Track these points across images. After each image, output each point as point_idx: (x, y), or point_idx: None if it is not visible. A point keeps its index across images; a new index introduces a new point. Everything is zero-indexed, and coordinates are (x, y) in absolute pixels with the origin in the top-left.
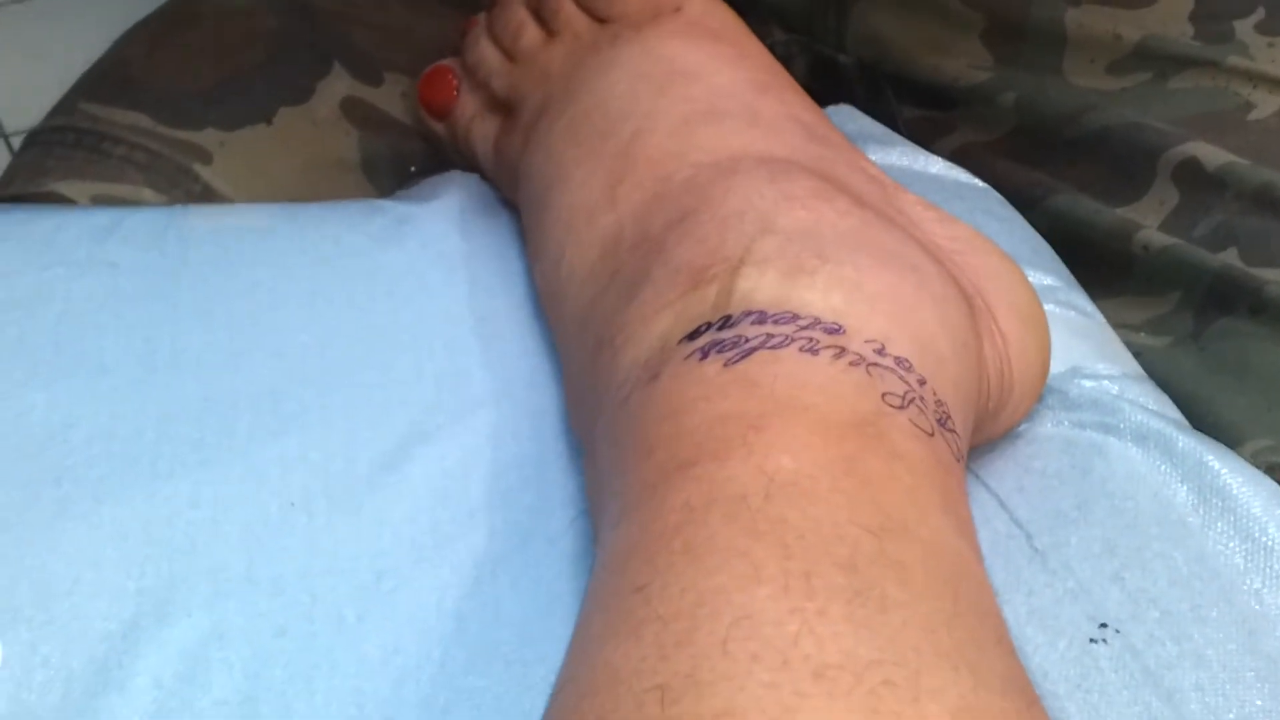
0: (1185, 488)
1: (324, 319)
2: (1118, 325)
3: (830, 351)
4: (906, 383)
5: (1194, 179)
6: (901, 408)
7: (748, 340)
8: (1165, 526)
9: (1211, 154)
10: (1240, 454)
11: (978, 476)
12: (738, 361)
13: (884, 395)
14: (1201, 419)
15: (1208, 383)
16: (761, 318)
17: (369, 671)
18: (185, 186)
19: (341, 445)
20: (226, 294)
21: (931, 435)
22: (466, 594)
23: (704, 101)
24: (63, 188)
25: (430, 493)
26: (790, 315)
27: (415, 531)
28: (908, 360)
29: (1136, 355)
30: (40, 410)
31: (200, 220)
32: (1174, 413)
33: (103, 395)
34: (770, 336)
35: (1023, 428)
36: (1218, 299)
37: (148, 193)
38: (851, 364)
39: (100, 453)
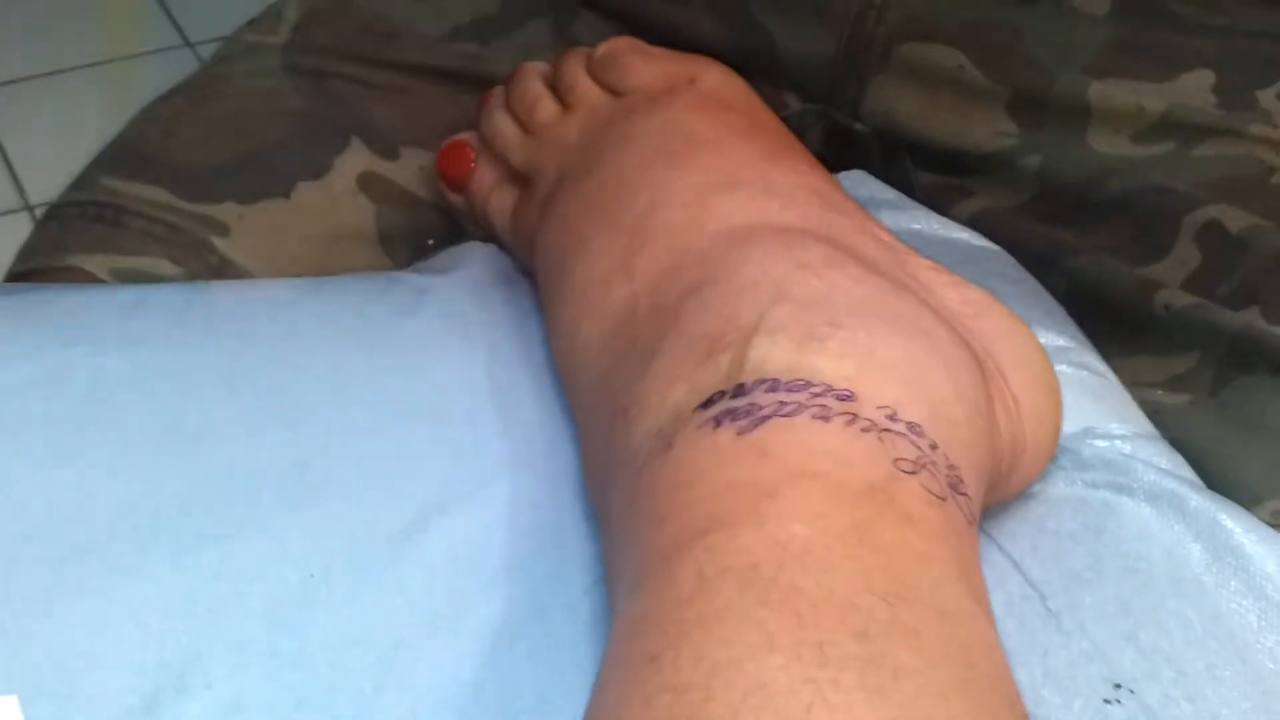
0: (1199, 546)
1: (345, 390)
2: (1136, 384)
3: (842, 418)
4: (918, 448)
5: (1217, 241)
6: (913, 473)
7: (760, 409)
8: (1179, 586)
9: (1235, 217)
10: (1258, 513)
11: (991, 538)
12: (750, 430)
13: (896, 461)
14: (1219, 477)
15: (1226, 441)
16: (774, 386)
17: None
18: (203, 259)
19: (362, 516)
20: (250, 367)
21: (944, 500)
22: (484, 663)
23: (718, 172)
24: (82, 261)
25: (448, 562)
26: (803, 383)
27: (433, 601)
28: (920, 425)
29: (1154, 413)
30: (64, 485)
31: (223, 295)
32: (1187, 472)
33: (126, 469)
34: (783, 404)
35: (1036, 488)
36: (1238, 357)
37: (166, 265)
38: (863, 430)
39: (124, 527)
